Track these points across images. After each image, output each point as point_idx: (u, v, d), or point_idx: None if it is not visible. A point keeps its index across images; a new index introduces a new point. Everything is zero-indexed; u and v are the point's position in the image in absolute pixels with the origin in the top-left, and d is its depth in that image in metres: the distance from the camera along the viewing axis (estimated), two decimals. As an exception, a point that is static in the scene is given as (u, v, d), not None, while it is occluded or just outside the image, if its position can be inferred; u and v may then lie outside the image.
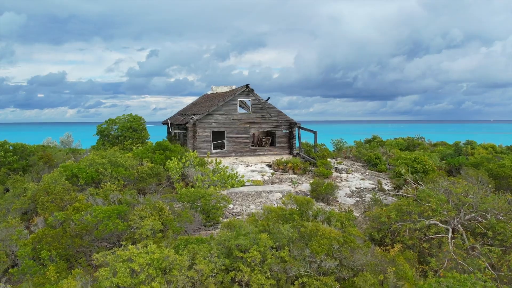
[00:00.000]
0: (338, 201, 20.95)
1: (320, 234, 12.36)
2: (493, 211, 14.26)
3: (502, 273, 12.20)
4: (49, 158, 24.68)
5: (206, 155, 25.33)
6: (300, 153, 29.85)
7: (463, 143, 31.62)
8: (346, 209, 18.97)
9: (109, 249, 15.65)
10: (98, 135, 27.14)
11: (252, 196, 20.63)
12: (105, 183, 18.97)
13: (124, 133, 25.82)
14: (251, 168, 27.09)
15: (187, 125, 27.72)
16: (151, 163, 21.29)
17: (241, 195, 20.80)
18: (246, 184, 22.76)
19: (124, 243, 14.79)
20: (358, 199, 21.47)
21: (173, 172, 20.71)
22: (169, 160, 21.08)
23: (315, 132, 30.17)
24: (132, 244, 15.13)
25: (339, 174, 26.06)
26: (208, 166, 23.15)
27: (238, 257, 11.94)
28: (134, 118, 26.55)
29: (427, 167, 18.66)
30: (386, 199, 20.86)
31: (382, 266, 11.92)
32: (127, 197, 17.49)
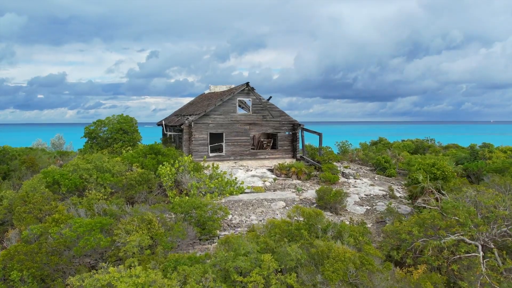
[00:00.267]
0: (347, 210, 19.14)
1: (333, 255, 10.66)
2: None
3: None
4: (33, 162, 22.86)
5: (202, 159, 23.44)
6: (304, 157, 27.97)
7: (479, 146, 29.71)
8: (357, 219, 17.16)
9: (92, 266, 14.01)
10: (86, 137, 25.14)
11: (252, 205, 18.79)
12: (90, 191, 17.18)
13: (113, 135, 23.88)
14: (251, 173, 25.22)
15: (182, 126, 25.83)
16: (142, 168, 19.42)
17: (241, 203, 18.97)
18: (246, 191, 20.95)
19: (108, 259, 13.19)
20: (368, 207, 19.70)
21: (165, 178, 18.88)
22: (161, 166, 19.21)
23: (320, 134, 28.17)
24: (117, 261, 13.47)
25: (346, 180, 24.22)
26: (205, 171, 21.32)
27: (237, 281, 10.89)
28: (125, 119, 24.57)
29: (447, 173, 16.82)
30: (399, 207, 19.09)
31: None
32: (113, 207, 15.76)
